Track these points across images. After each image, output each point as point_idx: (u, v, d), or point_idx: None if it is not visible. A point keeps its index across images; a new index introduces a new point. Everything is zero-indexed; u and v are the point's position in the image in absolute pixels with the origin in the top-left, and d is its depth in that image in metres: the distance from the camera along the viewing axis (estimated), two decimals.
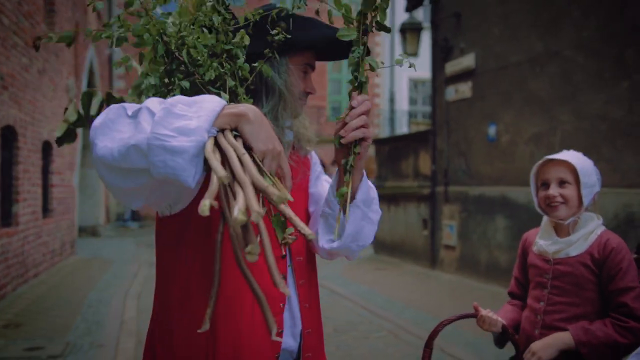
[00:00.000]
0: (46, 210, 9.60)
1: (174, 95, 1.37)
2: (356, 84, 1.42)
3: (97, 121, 1.25)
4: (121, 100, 1.49)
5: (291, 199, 1.14)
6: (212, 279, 1.16)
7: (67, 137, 1.56)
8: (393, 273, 10.16)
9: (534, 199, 2.31)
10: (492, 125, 8.69)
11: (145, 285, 8.78)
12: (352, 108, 1.43)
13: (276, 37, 1.44)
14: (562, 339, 2.04)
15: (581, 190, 2.13)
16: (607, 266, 2.08)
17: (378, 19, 1.36)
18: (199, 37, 1.35)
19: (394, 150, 12.15)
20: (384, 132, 22.06)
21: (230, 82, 1.39)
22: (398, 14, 16.85)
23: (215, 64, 1.37)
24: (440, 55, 9.96)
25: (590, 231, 2.16)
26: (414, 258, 10.71)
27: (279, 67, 1.50)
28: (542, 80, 7.73)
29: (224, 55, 1.40)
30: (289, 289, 1.49)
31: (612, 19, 6.70)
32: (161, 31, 1.33)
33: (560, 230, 2.23)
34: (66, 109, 1.53)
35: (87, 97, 1.46)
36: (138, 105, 1.24)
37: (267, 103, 1.50)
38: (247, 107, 1.24)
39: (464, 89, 9.39)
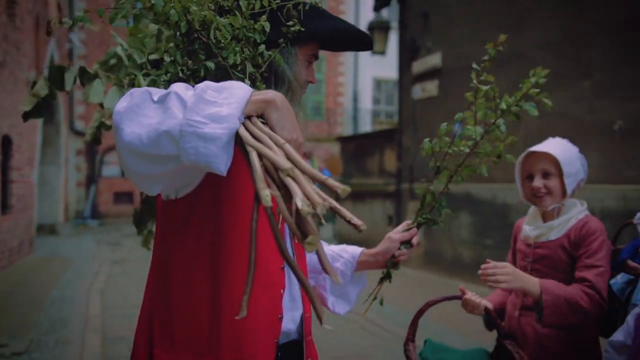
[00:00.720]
0: (5, 206, 9.34)
1: (198, 76, 1.36)
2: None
3: (121, 105, 1.21)
4: (95, 75, 1.46)
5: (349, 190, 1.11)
6: (245, 264, 1.14)
7: (35, 111, 1.52)
8: None
9: (519, 190, 2.38)
10: (457, 123, 8.84)
11: (108, 282, 8.65)
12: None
13: (292, 29, 1.44)
14: (531, 280, 2.09)
15: (564, 180, 2.22)
16: (581, 247, 2.17)
17: None
18: (230, 22, 1.33)
19: (359, 148, 12.24)
20: (347, 131, 22.21)
21: (250, 68, 1.38)
22: (366, 13, 16.98)
23: (238, 48, 1.36)
24: (408, 54, 10.09)
25: (571, 217, 2.24)
26: None
27: (289, 57, 1.50)
28: (506, 79, 7.92)
29: (243, 41, 1.39)
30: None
31: (574, 21, 6.91)
32: (185, 8, 1.31)
33: (546, 216, 2.31)
34: (34, 82, 1.48)
35: (58, 71, 1.42)
36: (163, 90, 1.22)
37: (277, 91, 1.52)
38: (275, 94, 1.23)
39: (431, 88, 9.54)
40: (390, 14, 14.95)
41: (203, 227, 1.42)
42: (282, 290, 1.51)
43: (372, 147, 11.63)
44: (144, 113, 1.19)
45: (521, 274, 2.09)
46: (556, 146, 2.29)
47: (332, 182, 1.05)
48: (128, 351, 5.35)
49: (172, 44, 1.44)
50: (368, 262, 1.89)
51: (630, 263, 2.09)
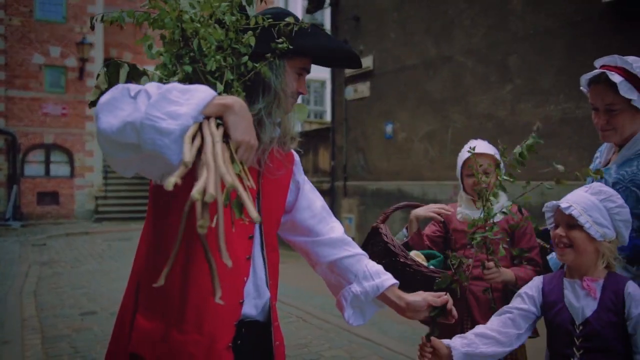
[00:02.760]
0: None
1: (178, 76, 1.53)
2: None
3: (104, 98, 1.37)
4: (144, 73, 1.61)
5: (247, 189, 1.27)
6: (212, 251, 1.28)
7: (97, 102, 1.64)
8: (296, 265, 10.34)
9: (460, 184, 2.78)
10: (389, 123, 9.23)
11: (39, 284, 8.43)
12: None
13: (280, 46, 1.60)
14: (508, 273, 2.51)
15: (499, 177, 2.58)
16: (518, 230, 2.63)
17: None
18: (210, 31, 1.50)
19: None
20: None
21: (228, 75, 1.54)
22: (299, 16, 17.16)
23: (219, 57, 1.52)
24: None
25: (503, 205, 2.59)
26: None
27: (277, 69, 1.66)
28: (435, 82, 8.36)
29: (229, 51, 1.55)
30: (261, 266, 1.73)
31: (497, 29, 7.40)
32: (180, 16, 1.48)
33: (478, 204, 2.67)
34: (98, 75, 1.59)
35: (115, 67, 1.56)
36: (140, 87, 1.37)
37: (263, 100, 1.66)
38: (234, 100, 1.37)
39: (363, 89, 9.89)
40: (321, 16, 15.24)
41: (181, 213, 1.60)
42: (245, 278, 1.69)
43: (306, 146, 11.87)
44: (120, 106, 1.34)
45: (503, 270, 2.47)
46: (490, 147, 2.70)
47: (227, 177, 1.20)
48: (70, 349, 5.30)
49: (167, 46, 1.58)
50: (390, 300, 1.94)
51: None
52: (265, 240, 1.79)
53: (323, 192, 11.06)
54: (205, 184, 1.16)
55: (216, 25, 1.55)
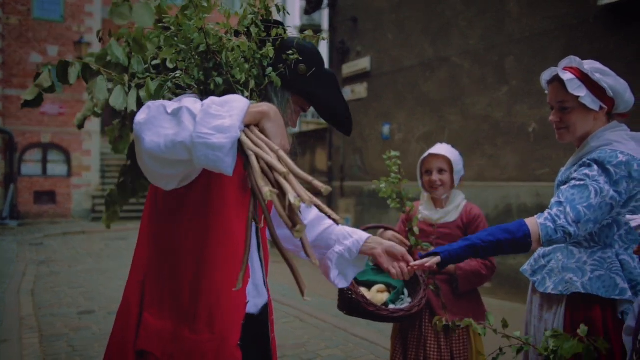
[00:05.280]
0: None
1: (208, 89, 1.59)
2: None
3: (140, 117, 1.41)
4: (98, 72, 1.63)
5: (329, 189, 1.36)
6: (224, 251, 1.44)
7: (35, 101, 1.65)
8: None
9: (419, 182, 3.06)
10: (386, 124, 9.27)
11: (37, 282, 8.45)
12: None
13: (291, 57, 1.64)
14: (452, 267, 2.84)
15: (454, 175, 2.97)
16: (471, 227, 2.93)
17: None
18: (239, 45, 1.55)
19: (291, 148, 12.43)
20: None
21: (252, 85, 1.59)
22: (298, 16, 17.18)
23: (247, 67, 1.58)
24: (338, 57, 10.43)
25: (458, 204, 2.99)
26: None
27: (282, 99, 1.72)
28: (432, 83, 8.40)
29: (254, 61, 1.60)
30: (258, 267, 1.79)
31: (494, 31, 7.44)
32: (206, 32, 1.52)
33: (436, 203, 3.02)
34: (38, 73, 1.59)
35: (63, 67, 1.58)
36: (175, 104, 1.41)
37: None
38: (269, 107, 1.44)
39: (360, 90, 9.93)
40: (319, 17, 15.25)
41: (194, 213, 1.64)
42: (248, 279, 1.75)
43: (303, 146, 11.91)
44: (161, 124, 1.39)
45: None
46: (447, 150, 3.00)
47: (317, 183, 1.31)
48: (68, 348, 5.32)
49: (183, 59, 1.61)
50: (371, 247, 2.11)
51: None
52: (261, 241, 1.85)
53: (320, 192, 11.04)
54: (297, 191, 1.24)
55: (244, 37, 1.60)
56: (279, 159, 1.33)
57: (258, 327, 1.84)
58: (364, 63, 9.76)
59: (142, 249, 1.77)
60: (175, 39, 1.54)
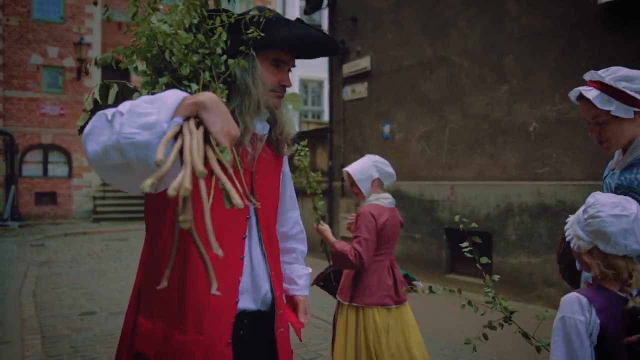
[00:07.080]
0: None
1: (156, 89, 1.57)
2: None
3: (86, 129, 1.40)
4: (134, 90, 1.65)
5: (204, 173, 1.19)
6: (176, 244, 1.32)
7: (87, 124, 1.69)
8: None
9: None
10: (386, 124, 9.28)
11: (38, 283, 8.47)
12: None
13: (250, 35, 1.63)
14: (332, 239, 3.38)
15: (358, 185, 3.40)
16: (354, 225, 3.37)
17: None
18: (176, 37, 1.53)
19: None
20: None
21: (205, 76, 1.56)
22: (297, 16, 17.18)
23: (195, 59, 1.55)
24: (338, 57, 10.43)
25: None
26: (312, 250, 11.04)
27: (251, 65, 1.70)
28: (432, 82, 8.40)
29: (203, 51, 1.58)
30: (260, 262, 1.78)
31: (493, 30, 7.45)
32: (154, 33, 1.52)
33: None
34: (87, 98, 1.64)
35: (104, 89, 1.61)
36: (114, 109, 1.38)
37: (236, 99, 1.71)
38: (205, 96, 1.35)
39: (360, 89, 9.93)
40: (319, 17, 15.24)
41: (173, 216, 1.64)
42: (239, 278, 1.75)
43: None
44: (101, 132, 1.36)
45: (328, 233, 3.48)
46: (354, 164, 3.46)
47: (198, 168, 1.16)
48: (70, 349, 5.34)
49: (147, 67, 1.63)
50: None
51: None
52: (263, 236, 1.84)
53: (321, 192, 11.07)
54: (182, 179, 1.13)
55: (179, 31, 1.57)
56: (190, 146, 1.22)
57: (260, 322, 1.84)
58: (364, 63, 9.76)
59: (142, 253, 1.80)
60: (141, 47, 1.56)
